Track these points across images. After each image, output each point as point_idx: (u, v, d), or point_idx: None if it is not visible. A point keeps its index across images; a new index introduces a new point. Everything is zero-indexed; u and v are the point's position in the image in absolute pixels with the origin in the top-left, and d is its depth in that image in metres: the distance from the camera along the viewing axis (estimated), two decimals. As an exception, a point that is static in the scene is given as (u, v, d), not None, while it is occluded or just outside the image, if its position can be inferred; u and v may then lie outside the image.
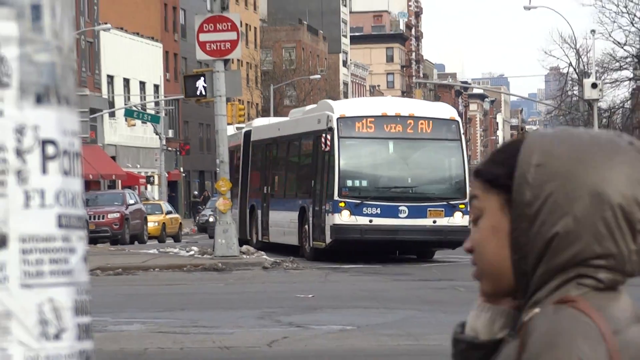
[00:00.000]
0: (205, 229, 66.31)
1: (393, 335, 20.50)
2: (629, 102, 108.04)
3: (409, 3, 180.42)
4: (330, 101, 33.47)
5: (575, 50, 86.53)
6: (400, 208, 28.27)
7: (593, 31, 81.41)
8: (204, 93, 41.61)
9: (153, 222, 62.58)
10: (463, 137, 29.80)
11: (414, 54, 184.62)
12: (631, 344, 2.72)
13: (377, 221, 28.06)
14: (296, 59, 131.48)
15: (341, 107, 30.41)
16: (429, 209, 28.35)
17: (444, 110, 30.98)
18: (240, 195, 41.20)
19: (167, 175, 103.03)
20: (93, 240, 52.36)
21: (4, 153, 2.01)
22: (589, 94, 65.72)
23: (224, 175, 43.21)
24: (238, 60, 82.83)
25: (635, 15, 78.19)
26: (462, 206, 28.74)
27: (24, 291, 2.02)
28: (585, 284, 2.76)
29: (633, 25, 77.85)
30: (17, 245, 2.00)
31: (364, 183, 28.72)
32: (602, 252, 2.77)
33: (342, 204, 27.68)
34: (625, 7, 79.91)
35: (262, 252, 42.46)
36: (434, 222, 28.37)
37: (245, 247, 42.54)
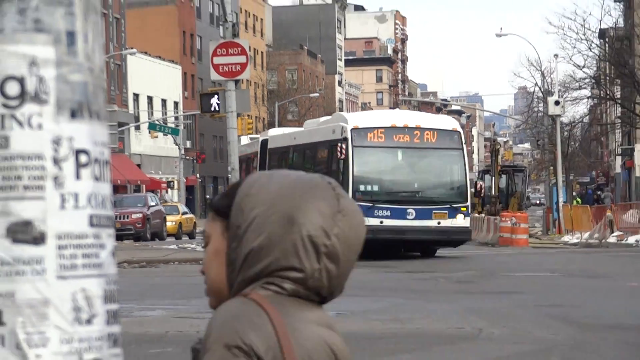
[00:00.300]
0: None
1: (382, 320, 20.51)
2: (587, 117, 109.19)
3: (396, 31, 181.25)
4: (344, 114, 35.77)
5: (540, 72, 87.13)
6: (408, 210, 28.15)
7: (556, 55, 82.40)
8: (217, 109, 41.95)
9: (171, 222, 64.09)
10: (464, 146, 29.99)
11: (400, 75, 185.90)
12: (307, 338, 3.03)
13: (387, 222, 27.72)
14: (297, 79, 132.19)
15: (355, 119, 30.47)
16: (434, 211, 28.34)
17: (447, 122, 31.18)
18: None
19: (185, 180, 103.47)
20: (119, 237, 52.42)
21: (43, 161, 2.02)
22: (553, 110, 65.83)
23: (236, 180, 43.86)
24: (247, 80, 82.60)
25: (592, 42, 79.13)
26: (464, 209, 28.83)
27: (60, 282, 2.03)
28: (269, 288, 3.08)
29: (590, 50, 78.98)
30: (54, 242, 2.01)
31: (375, 188, 28.55)
32: (287, 265, 3.06)
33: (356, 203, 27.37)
34: (584, 34, 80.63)
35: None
36: (439, 223, 28.41)
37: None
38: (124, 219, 58.92)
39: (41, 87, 2.04)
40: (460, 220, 28.88)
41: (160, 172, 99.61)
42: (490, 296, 23.87)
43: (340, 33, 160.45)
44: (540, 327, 18.88)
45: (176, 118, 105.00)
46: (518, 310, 21.52)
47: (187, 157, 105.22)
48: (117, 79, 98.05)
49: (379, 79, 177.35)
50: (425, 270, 29.09)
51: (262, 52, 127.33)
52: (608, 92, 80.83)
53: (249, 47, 50.20)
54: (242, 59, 40.83)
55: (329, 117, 36.33)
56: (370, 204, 27.28)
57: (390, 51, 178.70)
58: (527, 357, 16.34)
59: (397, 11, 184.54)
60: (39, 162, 2.02)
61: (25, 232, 2.02)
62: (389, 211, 27.93)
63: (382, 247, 28.61)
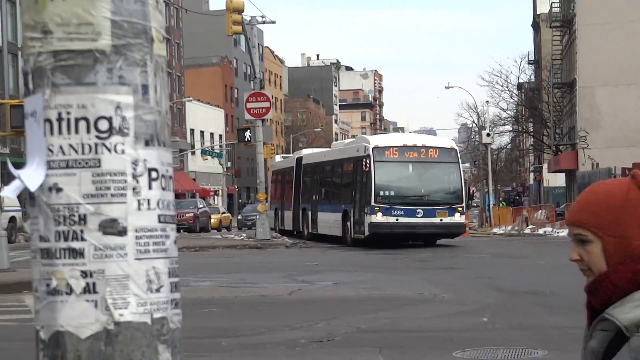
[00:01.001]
0: (244, 224, 65.68)
1: (365, 288, 20.58)
2: (509, 145, 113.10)
3: (375, 84, 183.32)
4: (366, 136, 34.51)
5: (476, 113, 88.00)
6: (417, 210, 28.47)
7: (487, 101, 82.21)
8: (249, 139, 42.33)
9: (214, 219, 65.13)
10: (460, 160, 30.38)
11: (377, 115, 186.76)
12: None
13: (401, 220, 28.27)
14: (305, 118, 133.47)
15: (375, 140, 30.30)
16: (437, 211, 28.61)
17: (446, 142, 31.43)
18: (293, 201, 40.26)
19: (227, 190, 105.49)
20: (177, 230, 53.38)
21: (125, 176, 2.05)
22: (485, 140, 65.16)
23: (262, 190, 43.83)
24: (270, 119, 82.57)
25: (513, 92, 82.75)
26: (460, 209, 29.24)
27: (137, 262, 2.06)
28: None
29: (511, 98, 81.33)
30: (132, 234, 2.05)
31: (392, 193, 28.66)
32: None
33: (377, 208, 27.90)
34: (507, 87, 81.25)
35: (285, 237, 42.48)
36: (441, 220, 28.67)
37: (275, 234, 42.83)
38: (181, 217, 57.73)
39: (123, 124, 2.05)
40: (458, 218, 29.33)
41: (209, 184, 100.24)
42: (443, 271, 24.07)
43: (336, 86, 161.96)
44: (477, 293, 19.02)
45: (220, 146, 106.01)
46: (462, 281, 21.69)
47: (228, 173, 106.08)
48: (179, 118, 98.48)
49: (363, 119, 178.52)
50: (396, 252, 29.05)
51: (280, 99, 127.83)
52: (524, 128, 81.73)
53: (271, 96, 50.78)
54: (266, 104, 41.23)
55: (353, 139, 37.30)
56: (388, 206, 28.00)
57: (370, 99, 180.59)
58: (467, 313, 16.32)
59: (375, 70, 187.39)
60: (122, 177, 2.03)
61: (112, 227, 2.02)
62: (402, 211, 28.31)
63: (396, 239, 29.20)
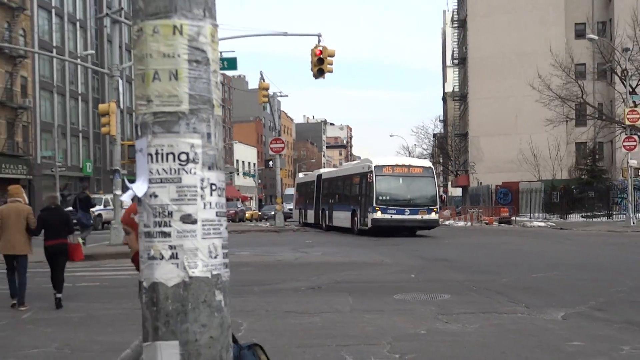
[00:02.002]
0: (262, 217, 63.67)
1: (341, 256, 20.39)
2: None
3: (347, 134, 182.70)
4: (370, 158, 31.54)
5: (408, 151, 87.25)
6: (405, 210, 27.64)
7: (415, 144, 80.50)
8: (271, 165, 42.58)
9: (248, 214, 63.60)
10: (435, 175, 29.41)
11: (349, 152, 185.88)
12: None
13: (395, 216, 27.38)
14: (306, 154, 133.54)
15: (376, 160, 29.16)
16: (419, 210, 27.81)
17: (426, 162, 31.22)
18: (315, 203, 38.33)
19: (257, 196, 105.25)
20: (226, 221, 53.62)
21: (196, 188, 2.09)
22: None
23: (279, 197, 43.60)
24: (284, 154, 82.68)
25: (430, 139, 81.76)
26: (435, 209, 28.38)
27: (203, 240, 2.07)
28: None
29: (429, 143, 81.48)
30: (200, 223, 2.10)
31: (388, 198, 27.76)
32: None
33: (377, 208, 27.15)
34: (427, 136, 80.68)
35: (294, 225, 42.54)
36: (422, 217, 27.90)
37: (287, 222, 42.80)
38: (227, 213, 58.60)
39: (195, 156, 2.06)
40: (433, 215, 28.40)
41: (247, 193, 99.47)
42: (389, 247, 23.75)
43: (324, 134, 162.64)
44: (409, 260, 18.82)
45: (254, 170, 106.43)
46: (400, 253, 21.46)
47: (258, 187, 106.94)
48: (229, 153, 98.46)
49: (340, 154, 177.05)
50: (373, 238, 28.71)
51: (290, 142, 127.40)
52: (436, 161, 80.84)
53: (285, 140, 50.63)
54: (282, 145, 41.05)
55: (358, 161, 35.91)
56: (385, 207, 27.18)
57: (345, 142, 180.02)
58: (401, 272, 16.17)
59: (348, 125, 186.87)
60: (194, 188, 2.06)
61: (188, 219, 2.04)
62: (395, 210, 27.44)
63: (390, 230, 27.84)
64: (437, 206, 28.25)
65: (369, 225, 27.06)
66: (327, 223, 34.82)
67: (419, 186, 28.11)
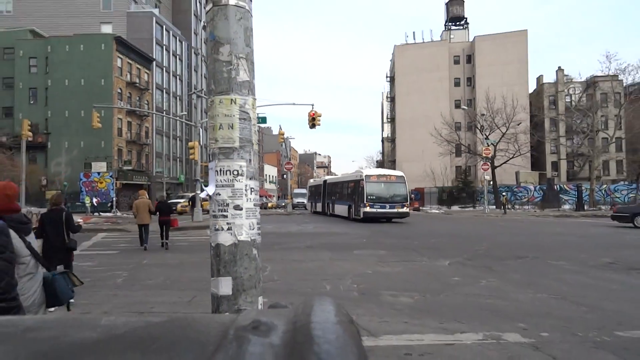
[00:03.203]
0: (279, 206, 57.72)
1: (325, 228, 19.99)
2: None
3: (329, 160, 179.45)
4: (361, 169, 27.94)
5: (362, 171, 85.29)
6: (387, 205, 23.94)
7: (366, 167, 77.83)
8: (285, 177, 41.98)
9: (270, 204, 56.64)
10: (406, 182, 25.19)
11: (329, 171, 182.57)
12: None
13: (380, 210, 23.80)
14: (304, 171, 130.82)
15: (366, 172, 25.43)
16: (395, 205, 24.08)
17: (399, 172, 26.34)
18: (322, 199, 33.92)
19: (277, 195, 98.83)
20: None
21: (243, 190, 1.98)
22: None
23: (289, 195, 43.23)
24: (293, 172, 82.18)
25: (375, 163, 77.02)
26: (406, 205, 24.58)
27: (246, 219, 2.00)
28: None
29: (374, 166, 78.25)
30: (244, 210, 1.99)
31: (374, 197, 23.80)
32: None
33: (367, 204, 23.64)
34: (373, 162, 78.52)
35: (296, 211, 42.14)
36: (398, 210, 24.13)
37: (295, 210, 42.41)
38: (260, 203, 56.53)
39: (242, 172, 2.01)
40: (405, 209, 24.47)
41: (272, 193, 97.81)
42: (358, 224, 23.41)
43: (315, 160, 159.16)
44: (363, 231, 18.56)
45: (275, 180, 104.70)
46: (359, 228, 21.08)
47: (278, 189, 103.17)
48: (262, 170, 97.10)
49: (324, 172, 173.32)
50: (357, 222, 28.09)
51: (296, 165, 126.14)
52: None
53: (293, 164, 49.88)
54: (291, 166, 39.97)
55: (354, 171, 30.30)
56: (373, 203, 23.71)
57: (327, 165, 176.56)
58: (358, 238, 16.00)
59: (328, 155, 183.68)
60: (241, 190, 1.99)
61: (238, 208, 1.98)
62: (379, 206, 23.82)
63: (376, 219, 24.43)
64: (408, 202, 24.93)
65: (361, 216, 24.07)
66: (330, 212, 31.50)
67: (395, 189, 24.59)
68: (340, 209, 28.44)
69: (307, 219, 28.56)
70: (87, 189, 42.27)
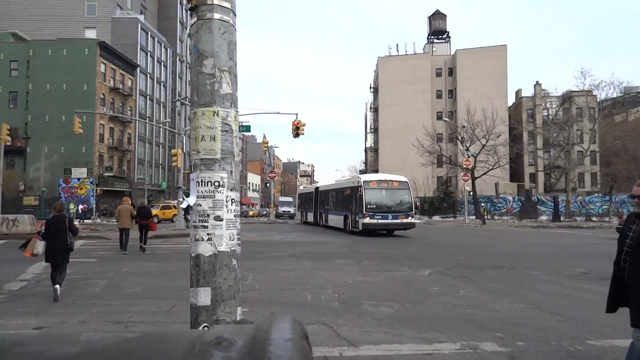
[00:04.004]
0: (260, 214, 56.08)
1: (307, 237, 19.82)
2: None
3: (312, 169, 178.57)
4: (358, 174, 23.97)
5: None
6: (389, 215, 20.81)
7: (349, 175, 77.10)
8: (268, 186, 41.61)
9: (252, 213, 55.59)
10: (410, 188, 22.18)
11: (313, 180, 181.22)
12: None
13: (381, 221, 20.66)
14: (288, 180, 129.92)
15: (364, 177, 22.33)
16: (399, 215, 20.91)
17: (402, 178, 22.45)
18: (313, 208, 30.51)
19: (260, 203, 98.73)
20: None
21: (224, 201, 1.98)
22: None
23: (272, 204, 42.94)
24: (276, 180, 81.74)
25: (358, 173, 77.15)
26: (412, 215, 21.33)
27: (227, 230, 2.00)
28: None
29: (362, 164, 78.58)
30: (225, 221, 2.00)
31: (374, 206, 20.70)
32: None
33: (367, 214, 20.55)
34: (356, 171, 78.10)
35: (279, 220, 41.76)
36: (401, 221, 20.92)
37: (277, 218, 41.96)
38: (241, 212, 56.12)
39: (223, 183, 2.02)
40: (410, 220, 21.20)
41: (254, 201, 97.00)
42: (336, 233, 23.27)
43: (298, 169, 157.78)
44: (345, 240, 18.47)
45: (258, 188, 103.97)
46: (342, 237, 20.96)
47: (261, 197, 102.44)
48: (245, 178, 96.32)
49: (307, 181, 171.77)
50: (343, 232, 27.83)
51: (279, 173, 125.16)
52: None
53: (276, 172, 49.56)
54: (274, 175, 39.71)
55: (349, 177, 27.15)
56: (372, 213, 20.61)
57: (310, 174, 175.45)
58: (341, 246, 15.85)
59: (312, 164, 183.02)
60: (222, 201, 2.00)
61: (218, 218, 1.98)
62: (380, 216, 20.68)
63: (377, 232, 21.65)
64: (413, 212, 21.63)
65: (360, 228, 21.07)
66: (323, 223, 27.83)
67: (398, 196, 21.60)
68: (335, 219, 25.30)
69: (290, 228, 28.30)
70: (66, 195, 41.37)
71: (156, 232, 21.08)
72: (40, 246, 7.35)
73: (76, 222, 27.05)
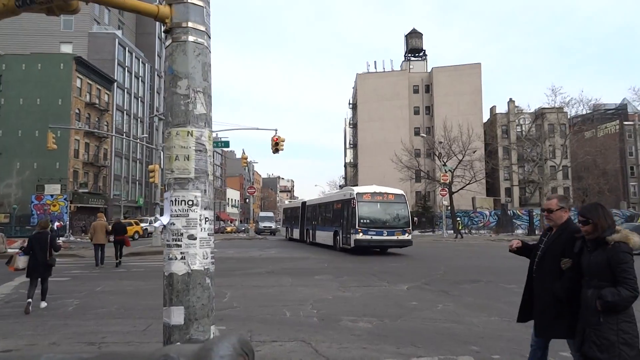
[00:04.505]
0: (239, 230, 53.40)
1: (286, 253, 19.68)
2: None
3: (292, 184, 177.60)
4: (352, 187, 22.37)
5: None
6: (384, 231, 18.70)
7: (329, 191, 75.89)
8: (248, 202, 40.99)
9: (229, 229, 54.43)
10: (407, 201, 20.16)
11: (293, 195, 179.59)
12: None
13: (375, 237, 18.51)
14: (267, 195, 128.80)
15: (357, 189, 20.13)
16: (395, 231, 18.85)
17: (398, 190, 20.42)
18: (300, 225, 28.15)
19: (239, 219, 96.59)
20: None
21: (197, 220, 1.99)
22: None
23: (251, 220, 42.53)
24: (256, 196, 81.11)
25: (338, 188, 76.87)
26: (408, 231, 19.23)
27: (200, 249, 2.00)
28: None
29: (337, 190, 77.92)
30: (199, 239, 2.00)
31: (368, 221, 18.54)
32: None
33: (359, 230, 18.34)
34: (336, 187, 78.28)
35: (259, 236, 41.37)
36: (397, 237, 18.83)
37: (255, 234, 41.59)
38: (223, 228, 55.35)
39: (197, 202, 2.03)
40: (407, 236, 19.06)
41: (233, 217, 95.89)
42: (318, 248, 23.05)
43: (278, 184, 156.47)
44: (324, 255, 18.38)
45: (237, 204, 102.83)
46: (320, 252, 20.83)
47: (240, 213, 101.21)
48: (224, 194, 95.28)
49: (287, 196, 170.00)
50: (330, 249, 27.49)
51: (259, 189, 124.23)
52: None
53: (256, 187, 48.95)
54: (254, 190, 39.39)
55: (339, 190, 23.49)
56: (366, 229, 18.45)
57: (290, 189, 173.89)
58: (320, 262, 15.84)
59: (291, 179, 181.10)
60: (196, 220, 2.01)
61: (192, 237, 1.99)
62: (374, 232, 18.56)
63: (370, 249, 19.43)
64: (410, 228, 19.56)
65: (352, 245, 19.09)
66: (310, 240, 25.61)
67: (394, 210, 19.45)
68: (324, 235, 23.06)
69: (270, 244, 27.97)
70: (38, 212, 40.21)
71: (133, 249, 20.64)
72: (20, 261, 7.83)
73: (61, 240, 26.34)
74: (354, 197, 19.18)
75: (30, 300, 7.56)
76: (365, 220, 18.77)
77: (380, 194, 19.59)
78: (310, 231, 25.81)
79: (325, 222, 23.35)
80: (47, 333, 6.21)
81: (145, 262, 16.56)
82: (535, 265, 3.40)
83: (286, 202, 46.80)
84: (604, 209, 2.86)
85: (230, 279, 11.06)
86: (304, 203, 28.44)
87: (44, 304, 7.89)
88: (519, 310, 3.52)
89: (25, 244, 8.13)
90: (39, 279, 7.93)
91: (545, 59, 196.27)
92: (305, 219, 27.27)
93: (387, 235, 18.86)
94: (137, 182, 58.70)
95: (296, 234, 29.26)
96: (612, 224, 2.76)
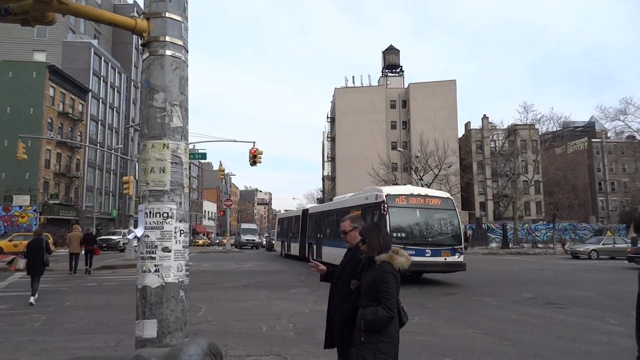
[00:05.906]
0: (213, 243, 51.82)
1: (263, 267, 19.53)
2: None
3: (269, 197, 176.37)
4: (377, 187, 16.04)
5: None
6: (425, 250, 13.10)
7: (307, 203, 76.35)
8: (224, 214, 40.51)
9: (201, 242, 52.51)
10: (456, 208, 14.32)
11: (270, 208, 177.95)
12: None
13: (413, 258, 9.42)
14: (245, 208, 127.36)
15: (387, 189, 14.12)
16: (442, 251, 13.30)
17: (444, 193, 14.61)
18: (300, 238, 22.99)
19: (214, 233, 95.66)
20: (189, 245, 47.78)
21: (172, 233, 1.99)
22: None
23: (228, 233, 42.01)
24: (233, 208, 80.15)
25: (316, 201, 76.81)
26: (459, 249, 13.59)
27: (175, 261, 2.00)
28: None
29: (315, 203, 77.44)
30: (173, 252, 2.00)
31: (404, 235, 13.16)
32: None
33: None
34: (314, 200, 78.10)
35: (235, 248, 40.73)
36: (445, 259, 13.22)
37: (231, 247, 40.99)
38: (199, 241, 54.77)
39: (172, 214, 2.03)
40: (457, 257, 13.40)
41: (210, 230, 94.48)
42: (290, 261, 22.96)
43: (256, 197, 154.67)
44: (301, 269, 18.20)
45: (214, 217, 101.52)
46: (297, 266, 20.76)
47: (216, 225, 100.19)
48: (200, 207, 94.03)
49: (264, 209, 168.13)
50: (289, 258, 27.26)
51: (236, 201, 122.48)
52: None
53: (233, 200, 48.48)
54: (231, 203, 39.12)
55: (359, 192, 17.01)
56: (402, 246, 11.28)
57: (267, 202, 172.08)
58: (297, 275, 15.76)
59: (269, 192, 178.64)
60: (170, 232, 2.01)
61: (166, 250, 1.99)
62: (414, 251, 12.55)
63: (408, 276, 14.03)
64: (462, 246, 13.93)
65: None
66: (314, 257, 19.65)
67: (440, 219, 14.09)
68: (335, 253, 16.62)
69: (246, 257, 27.30)
70: (5, 224, 38.82)
71: (105, 262, 20.10)
72: (21, 263, 10.35)
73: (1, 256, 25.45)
74: (383, 200, 13.69)
75: (33, 295, 9.80)
76: (399, 234, 13.42)
77: (419, 196, 14.19)
78: (315, 246, 20.34)
79: (337, 235, 16.81)
80: (13, 350, 5.98)
81: (118, 276, 16.15)
82: (331, 287, 3.18)
83: (282, 212, 42.94)
84: (381, 229, 2.78)
85: (205, 293, 10.89)
86: (305, 211, 23.42)
87: (33, 299, 9.68)
88: (325, 335, 3.22)
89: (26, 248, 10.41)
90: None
91: (517, 77, 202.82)
92: (308, 230, 22.17)
93: (432, 255, 13.33)
94: (111, 194, 57.43)
95: (295, 249, 23.99)
96: (384, 245, 2.67)
